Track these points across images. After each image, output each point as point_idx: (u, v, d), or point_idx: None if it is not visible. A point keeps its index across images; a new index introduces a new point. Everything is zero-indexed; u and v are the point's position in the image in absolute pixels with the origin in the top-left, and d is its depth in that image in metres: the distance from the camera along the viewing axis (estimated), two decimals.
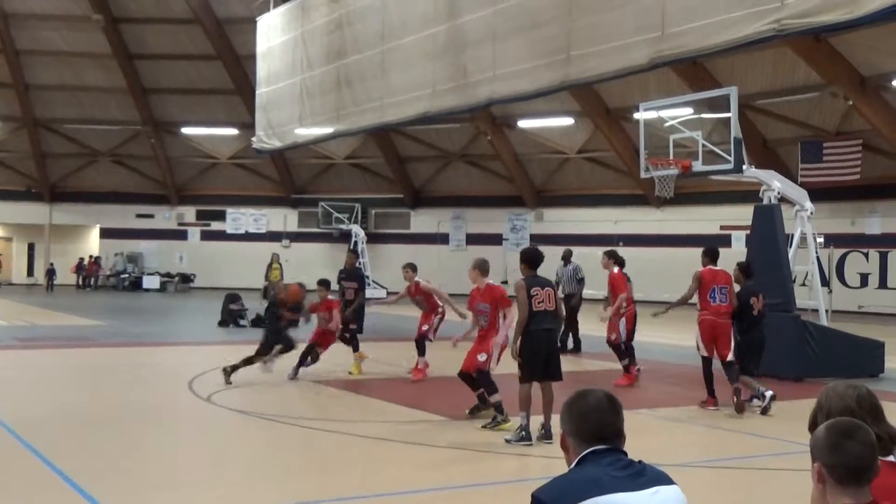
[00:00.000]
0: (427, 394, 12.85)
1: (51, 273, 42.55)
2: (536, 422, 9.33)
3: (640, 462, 2.82)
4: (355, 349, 14.78)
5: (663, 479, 2.82)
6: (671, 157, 16.25)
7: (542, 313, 9.30)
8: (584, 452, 2.83)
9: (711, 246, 12.85)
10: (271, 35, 29.73)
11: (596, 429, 2.85)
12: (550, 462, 8.28)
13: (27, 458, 8.30)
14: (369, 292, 35.36)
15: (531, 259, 9.67)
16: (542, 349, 9.33)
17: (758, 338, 12.13)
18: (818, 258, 17.12)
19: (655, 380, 14.59)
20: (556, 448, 8.63)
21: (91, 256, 44.42)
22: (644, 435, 9.32)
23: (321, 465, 8.60)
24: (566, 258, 18.55)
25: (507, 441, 9.25)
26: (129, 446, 9.09)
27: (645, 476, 2.78)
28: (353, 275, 15.71)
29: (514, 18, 19.10)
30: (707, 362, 11.84)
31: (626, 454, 2.85)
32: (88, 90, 41.59)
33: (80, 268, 43.91)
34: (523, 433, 9.20)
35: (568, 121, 36.17)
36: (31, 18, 39.10)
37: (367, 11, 24.15)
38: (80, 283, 43.69)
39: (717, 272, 12.02)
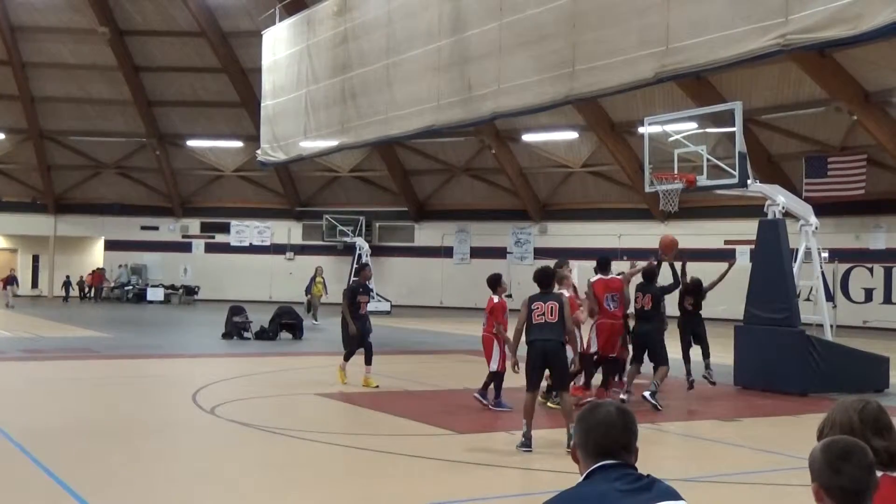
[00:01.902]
0: (433, 408, 12.82)
1: (67, 285, 42.94)
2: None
3: (648, 476, 2.81)
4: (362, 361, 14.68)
5: (672, 495, 2.80)
6: (676, 171, 16.26)
7: (539, 325, 9.66)
8: (593, 467, 2.81)
9: (604, 257, 13.64)
10: (277, 48, 29.83)
11: (603, 443, 2.83)
12: (558, 476, 8.26)
13: (32, 470, 8.29)
14: (372, 305, 35.49)
15: (537, 280, 10.10)
16: (538, 359, 9.68)
17: (638, 332, 13.14)
18: (823, 273, 17.09)
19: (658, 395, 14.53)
20: (564, 462, 8.62)
21: (96, 268, 44.54)
22: (649, 449, 9.30)
23: (325, 478, 8.59)
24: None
25: (517, 447, 9.48)
26: (132, 458, 9.09)
27: (653, 491, 2.76)
28: (367, 289, 15.83)
29: (519, 32, 19.14)
30: (591, 359, 12.92)
31: (635, 469, 2.83)
32: (94, 102, 41.74)
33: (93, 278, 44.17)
34: (523, 439, 9.50)
35: (572, 135, 36.22)
36: (37, 31, 39.27)
37: (372, 25, 24.24)
38: (84, 294, 43.81)
39: (609, 281, 13.10)
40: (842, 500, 2.66)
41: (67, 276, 43.47)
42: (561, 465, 8.75)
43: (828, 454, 2.71)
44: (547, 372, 10.11)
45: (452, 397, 13.70)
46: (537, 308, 9.70)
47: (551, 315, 9.62)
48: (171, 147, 43.46)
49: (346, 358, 14.76)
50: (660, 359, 12.77)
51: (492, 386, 12.44)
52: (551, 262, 12.51)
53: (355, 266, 15.88)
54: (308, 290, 29.93)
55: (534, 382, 9.74)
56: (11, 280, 37.21)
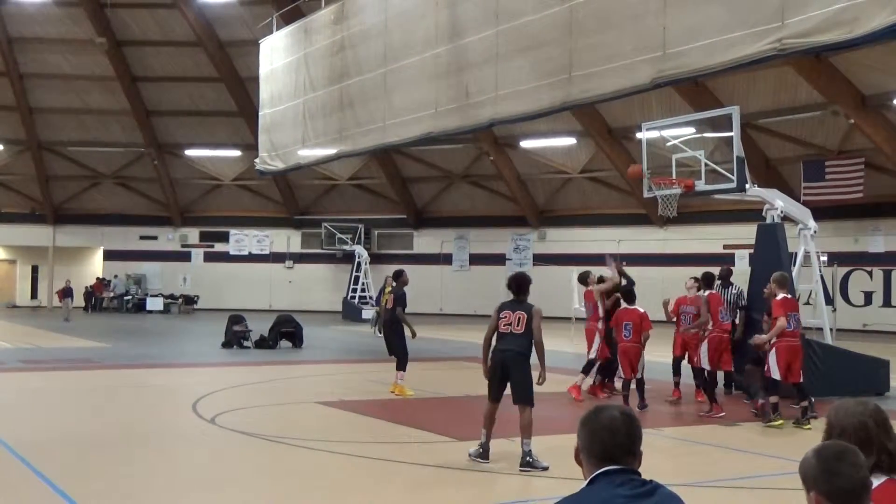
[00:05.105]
0: (433, 416, 12.82)
1: (91, 294, 43.34)
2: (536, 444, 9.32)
3: (651, 481, 2.81)
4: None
5: (674, 500, 2.81)
6: (674, 176, 16.29)
7: (504, 334, 9.45)
8: (596, 472, 2.81)
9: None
10: (274, 57, 29.87)
11: (606, 448, 2.83)
12: (558, 482, 8.25)
13: (33, 482, 8.28)
14: (373, 311, 35.45)
15: (511, 287, 9.78)
16: (497, 369, 9.43)
17: None
18: (822, 277, 17.09)
19: (660, 399, 14.55)
20: (561, 469, 8.59)
21: (98, 278, 44.51)
22: (649, 454, 9.29)
23: (326, 487, 8.58)
24: (725, 278, 15.16)
25: (469, 454, 9.37)
26: (134, 469, 9.08)
27: (656, 496, 2.77)
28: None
29: (516, 39, 19.16)
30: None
31: (639, 475, 2.83)
32: (92, 113, 41.77)
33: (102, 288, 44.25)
34: (480, 449, 9.38)
35: (570, 141, 36.25)
36: (35, 42, 39.31)
37: (369, 33, 24.27)
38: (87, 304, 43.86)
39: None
40: (843, 502, 2.67)
41: (88, 287, 43.77)
42: (558, 472, 8.73)
43: (822, 458, 2.72)
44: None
45: (452, 405, 13.69)
46: (505, 317, 9.41)
47: (518, 325, 9.33)
48: (170, 156, 43.47)
49: (405, 367, 14.60)
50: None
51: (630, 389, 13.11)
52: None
53: (395, 271, 15.47)
54: (378, 301, 29.33)
55: (490, 391, 9.47)
56: (68, 292, 36.75)
